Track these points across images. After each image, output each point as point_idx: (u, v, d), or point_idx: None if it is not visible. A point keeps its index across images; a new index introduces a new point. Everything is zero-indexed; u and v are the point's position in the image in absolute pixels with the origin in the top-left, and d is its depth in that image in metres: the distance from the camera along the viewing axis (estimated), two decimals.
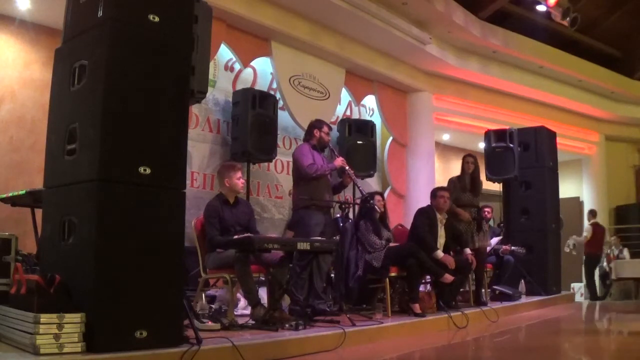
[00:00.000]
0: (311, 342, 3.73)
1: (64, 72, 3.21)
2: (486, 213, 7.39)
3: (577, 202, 12.53)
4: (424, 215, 5.71)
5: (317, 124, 5.42)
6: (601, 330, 6.28)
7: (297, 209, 5.21)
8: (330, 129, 5.49)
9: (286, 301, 4.84)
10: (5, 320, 2.98)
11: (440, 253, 5.41)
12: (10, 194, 4.22)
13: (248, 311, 4.46)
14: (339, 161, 5.24)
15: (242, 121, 5.94)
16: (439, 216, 5.76)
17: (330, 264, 5.21)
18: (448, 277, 5.33)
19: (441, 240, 5.79)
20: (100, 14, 3.07)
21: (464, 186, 6.42)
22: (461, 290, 6.12)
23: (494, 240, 6.66)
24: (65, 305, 2.75)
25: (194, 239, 4.51)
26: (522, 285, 7.67)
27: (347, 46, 7.44)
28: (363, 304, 5.54)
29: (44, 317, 2.66)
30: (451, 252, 5.91)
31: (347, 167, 5.25)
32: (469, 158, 6.55)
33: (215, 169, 5.97)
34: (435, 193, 5.88)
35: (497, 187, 8.31)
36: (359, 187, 5.41)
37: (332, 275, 5.54)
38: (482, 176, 8.79)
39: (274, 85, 7.01)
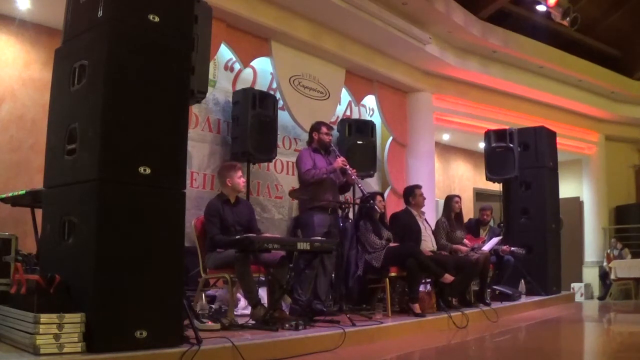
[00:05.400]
0: (311, 342, 3.73)
1: (64, 72, 3.21)
2: (485, 216, 7.41)
3: (577, 202, 12.53)
4: (399, 223, 5.77)
5: (315, 126, 5.53)
6: (601, 330, 6.28)
7: (302, 210, 5.35)
8: (330, 128, 5.54)
9: (286, 301, 4.84)
10: (5, 320, 2.97)
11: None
12: (10, 194, 4.22)
13: (248, 311, 4.46)
14: (339, 162, 5.27)
15: (242, 121, 5.93)
16: (415, 213, 5.83)
17: (332, 267, 5.23)
18: (448, 277, 5.33)
19: (428, 232, 5.92)
20: (100, 14, 3.07)
21: (453, 226, 6.51)
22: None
23: (494, 240, 6.66)
24: (65, 305, 2.75)
25: (194, 239, 4.51)
26: (522, 285, 7.67)
27: (347, 46, 7.43)
28: (363, 304, 5.54)
29: (44, 317, 2.66)
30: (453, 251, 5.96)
31: (347, 167, 5.28)
32: (457, 198, 6.68)
33: (215, 169, 5.96)
34: (413, 192, 6.00)
35: (497, 187, 8.32)
36: (359, 187, 5.42)
37: (332, 275, 5.54)
38: (482, 176, 8.84)
39: (274, 85, 7.00)
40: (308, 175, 5.16)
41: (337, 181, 5.41)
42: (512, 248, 6.99)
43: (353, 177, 5.28)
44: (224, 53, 6.43)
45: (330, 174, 5.25)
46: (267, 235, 4.69)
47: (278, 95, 6.80)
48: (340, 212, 5.84)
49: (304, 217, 5.31)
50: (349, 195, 6.99)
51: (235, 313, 4.45)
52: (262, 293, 4.54)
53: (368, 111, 8.51)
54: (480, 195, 11.70)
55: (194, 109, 5.91)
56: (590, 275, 11.88)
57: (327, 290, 5.13)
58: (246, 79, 6.72)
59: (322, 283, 4.98)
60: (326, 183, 5.25)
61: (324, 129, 5.42)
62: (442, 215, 6.70)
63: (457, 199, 6.67)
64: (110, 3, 3.05)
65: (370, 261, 5.31)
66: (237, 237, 4.20)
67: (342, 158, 5.37)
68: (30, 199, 4.11)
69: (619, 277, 10.25)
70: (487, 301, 6.23)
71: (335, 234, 5.27)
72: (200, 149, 6.13)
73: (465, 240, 6.51)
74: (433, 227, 6.34)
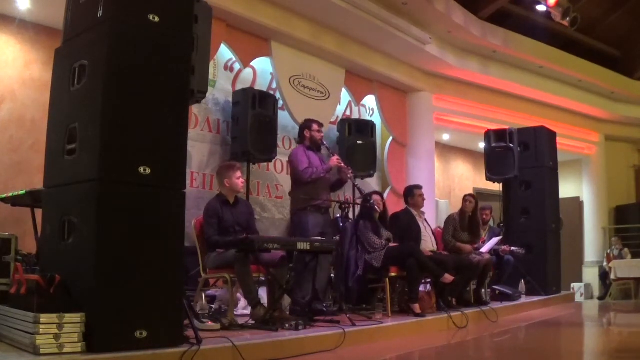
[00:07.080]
0: (311, 342, 3.73)
1: (64, 72, 3.21)
2: (485, 216, 7.40)
3: (577, 202, 12.53)
4: (399, 223, 5.76)
5: (306, 124, 5.51)
6: (601, 330, 6.28)
7: (296, 210, 5.26)
8: (320, 125, 5.52)
9: (286, 301, 4.84)
10: (5, 320, 2.98)
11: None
12: (10, 194, 4.22)
13: (248, 311, 4.46)
14: (334, 160, 5.27)
15: (242, 121, 5.93)
16: (415, 213, 5.82)
17: (330, 265, 5.22)
18: (448, 277, 5.33)
19: (428, 232, 5.90)
20: (100, 14, 3.07)
21: (463, 226, 6.31)
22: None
23: (494, 241, 6.66)
24: (65, 305, 2.75)
25: (194, 239, 4.51)
26: (522, 285, 7.67)
27: (347, 46, 7.44)
28: (363, 304, 5.54)
29: (44, 317, 2.66)
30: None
31: (342, 165, 5.28)
32: (468, 197, 6.44)
33: (215, 169, 5.96)
34: (412, 192, 5.99)
35: (497, 187, 8.32)
36: (356, 185, 5.41)
37: (332, 275, 5.54)
38: (482, 176, 8.84)
39: (274, 85, 7.00)
40: (307, 174, 5.12)
41: (330, 179, 5.40)
42: (512, 248, 6.99)
43: (349, 175, 5.27)
44: (224, 53, 6.43)
45: (328, 173, 5.25)
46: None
47: (278, 95, 6.80)
48: (339, 212, 5.84)
49: (297, 217, 5.24)
50: (349, 195, 7.00)
51: (235, 313, 4.45)
52: (262, 293, 4.53)
53: (368, 111, 8.51)
54: (480, 195, 11.63)
55: (194, 109, 5.91)
56: (590, 275, 11.88)
57: (325, 288, 5.11)
58: (246, 79, 6.72)
59: (321, 280, 4.96)
60: (321, 182, 5.25)
61: (315, 127, 5.42)
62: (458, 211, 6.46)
63: (467, 197, 6.40)
64: (110, 3, 3.05)
65: (370, 261, 5.31)
66: (234, 238, 4.20)
67: (336, 156, 5.37)
68: (30, 199, 4.11)
69: (619, 277, 10.24)
70: (484, 300, 6.21)
71: (331, 234, 5.26)
72: (200, 149, 6.13)
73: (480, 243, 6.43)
74: (433, 227, 6.32)
